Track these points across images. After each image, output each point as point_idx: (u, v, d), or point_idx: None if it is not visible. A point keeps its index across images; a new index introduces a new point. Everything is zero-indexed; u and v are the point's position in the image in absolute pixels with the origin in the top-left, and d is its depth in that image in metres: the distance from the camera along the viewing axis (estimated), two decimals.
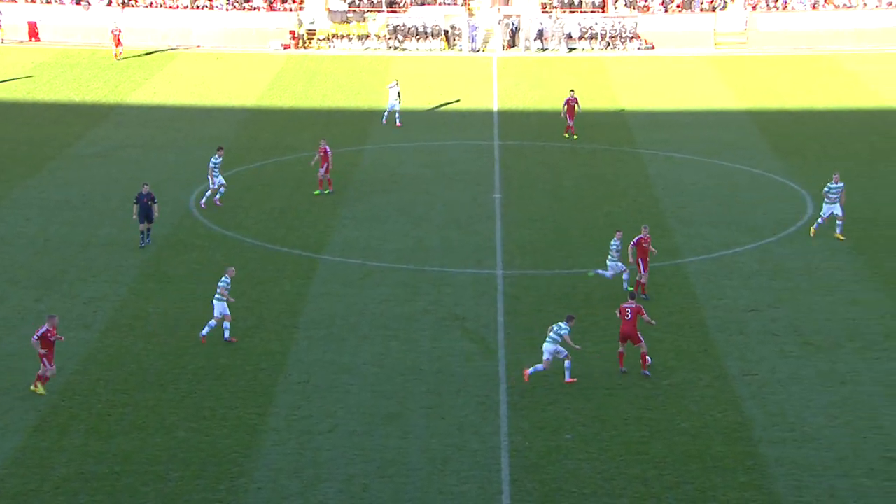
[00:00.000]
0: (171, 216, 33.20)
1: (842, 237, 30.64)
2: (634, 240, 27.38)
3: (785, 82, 52.14)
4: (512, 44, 60.27)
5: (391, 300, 27.42)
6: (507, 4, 61.77)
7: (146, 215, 30.24)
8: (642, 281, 27.08)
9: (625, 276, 27.58)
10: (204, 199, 33.93)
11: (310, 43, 60.16)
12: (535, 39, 59.51)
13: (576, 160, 40.07)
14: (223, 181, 33.95)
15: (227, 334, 24.87)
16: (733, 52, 58.93)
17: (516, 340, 25.14)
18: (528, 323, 26.10)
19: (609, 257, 27.53)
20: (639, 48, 59.45)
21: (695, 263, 29.87)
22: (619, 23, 59.85)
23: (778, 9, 60.52)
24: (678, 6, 60.96)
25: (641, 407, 22.24)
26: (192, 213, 33.60)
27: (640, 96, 49.65)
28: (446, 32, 60.34)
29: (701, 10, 60.73)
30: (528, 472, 19.93)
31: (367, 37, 60.00)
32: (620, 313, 23.44)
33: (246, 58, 57.60)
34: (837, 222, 30.86)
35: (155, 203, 30.39)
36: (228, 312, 24.81)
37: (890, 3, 60.18)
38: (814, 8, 60.31)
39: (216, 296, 24.85)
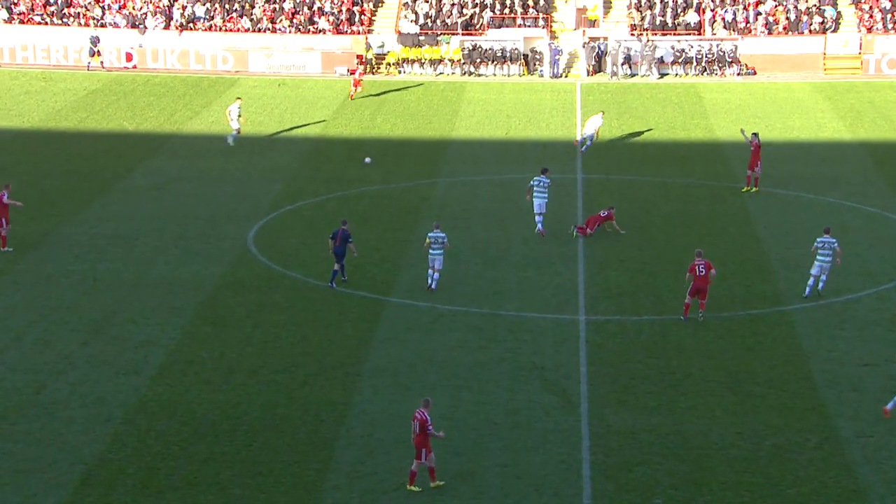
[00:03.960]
0: (228, 254, 33.79)
1: None
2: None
3: None
4: (597, 69, 60.38)
5: (463, 347, 27.47)
6: (594, 26, 61.99)
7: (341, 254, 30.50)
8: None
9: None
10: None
11: (378, 68, 61.05)
12: (622, 64, 59.56)
13: (667, 196, 39.83)
14: None
15: (434, 285, 30.44)
16: (846, 78, 58.19)
17: (600, 393, 24.96)
18: (614, 374, 25.90)
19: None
20: (738, 73, 59.09)
21: (801, 311, 29.40)
22: (717, 46, 59.62)
23: None
24: (784, 28, 60.52)
25: (741, 470, 21.87)
26: (251, 251, 34.16)
27: (739, 126, 49.25)
28: (526, 56, 60.74)
29: (809, 31, 60.19)
30: None
31: (440, 61, 60.67)
32: None
33: (310, 83, 58.63)
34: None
35: (349, 242, 30.63)
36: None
37: None
38: None
39: (437, 251, 30.36)
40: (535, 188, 35.30)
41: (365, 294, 30.77)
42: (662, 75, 59.23)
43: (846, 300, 30.00)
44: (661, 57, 59.51)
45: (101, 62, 60.60)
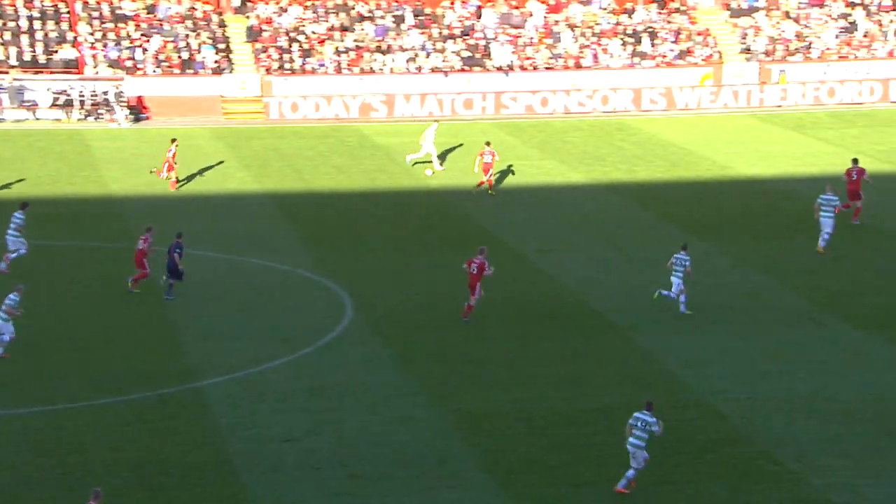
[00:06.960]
0: None
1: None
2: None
3: (310, 159, 54.50)
4: None
5: None
6: None
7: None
8: None
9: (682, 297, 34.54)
10: None
11: None
12: None
13: (53, 261, 38.90)
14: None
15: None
16: (247, 123, 60.84)
17: None
18: None
19: (674, 273, 34.44)
20: (129, 118, 59.55)
21: (217, 386, 30.08)
22: (103, 86, 59.62)
23: (294, 71, 63.38)
24: (174, 66, 61.89)
25: None
26: None
27: (135, 178, 49.55)
28: None
29: (207, 71, 62.07)
30: None
31: None
32: None
33: None
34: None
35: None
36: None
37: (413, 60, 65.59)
38: (338, 71, 63.98)
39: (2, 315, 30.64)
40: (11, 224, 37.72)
41: None
42: (38, 119, 57.99)
43: (263, 370, 31.20)
44: (34, 99, 58.26)
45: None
